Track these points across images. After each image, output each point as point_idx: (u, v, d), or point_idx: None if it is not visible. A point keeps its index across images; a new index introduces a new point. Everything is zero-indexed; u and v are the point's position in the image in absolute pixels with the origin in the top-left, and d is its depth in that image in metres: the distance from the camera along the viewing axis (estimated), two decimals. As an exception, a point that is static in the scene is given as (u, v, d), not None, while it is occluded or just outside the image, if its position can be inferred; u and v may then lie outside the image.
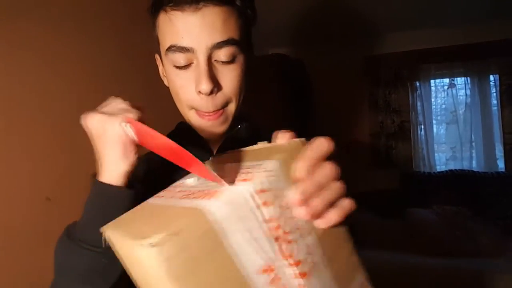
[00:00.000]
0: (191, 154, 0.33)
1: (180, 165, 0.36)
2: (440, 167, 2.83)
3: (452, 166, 2.73)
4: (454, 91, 2.82)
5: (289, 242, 0.29)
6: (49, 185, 1.08)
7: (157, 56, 0.60)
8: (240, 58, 0.53)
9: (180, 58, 0.51)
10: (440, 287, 1.67)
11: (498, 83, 2.66)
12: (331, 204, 0.32)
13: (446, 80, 2.85)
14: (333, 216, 0.32)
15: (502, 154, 2.64)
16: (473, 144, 2.75)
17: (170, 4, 0.50)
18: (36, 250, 1.02)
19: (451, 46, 2.67)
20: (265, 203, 0.28)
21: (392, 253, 1.93)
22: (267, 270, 0.28)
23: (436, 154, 2.86)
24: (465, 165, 2.73)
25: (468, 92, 2.77)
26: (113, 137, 0.44)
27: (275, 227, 0.29)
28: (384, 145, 2.90)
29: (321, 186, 0.31)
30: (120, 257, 0.31)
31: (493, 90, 2.71)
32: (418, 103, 2.86)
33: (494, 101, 2.70)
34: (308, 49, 2.96)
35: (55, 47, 1.13)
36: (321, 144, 0.33)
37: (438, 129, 2.91)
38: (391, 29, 2.75)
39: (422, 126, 2.84)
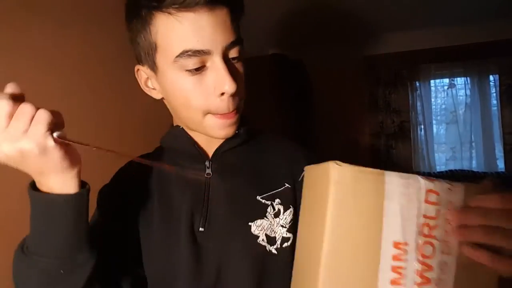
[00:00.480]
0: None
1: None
2: (440, 167, 2.83)
3: (452, 166, 2.73)
4: (454, 91, 2.82)
5: (431, 244, 0.33)
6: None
7: (138, 68, 0.56)
8: (242, 57, 0.52)
9: (194, 62, 0.48)
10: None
11: (498, 83, 2.66)
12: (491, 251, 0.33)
13: (446, 80, 2.86)
14: (480, 254, 0.33)
15: (502, 154, 2.64)
16: (473, 144, 2.75)
17: (175, 6, 0.46)
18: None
19: (451, 46, 2.67)
20: (431, 202, 0.33)
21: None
22: (399, 246, 0.32)
23: (436, 154, 2.86)
24: (465, 165, 2.73)
25: (468, 92, 2.77)
26: (40, 156, 0.41)
27: (427, 224, 0.33)
28: (384, 145, 2.89)
29: (489, 225, 0.33)
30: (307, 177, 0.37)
31: (493, 90, 2.71)
32: (418, 103, 2.86)
33: (494, 101, 2.71)
34: (308, 49, 2.96)
35: (55, 47, 1.13)
36: None
37: (438, 129, 2.91)
38: (391, 29, 2.75)
39: (422, 126, 2.84)
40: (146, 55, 0.52)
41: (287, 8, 2.31)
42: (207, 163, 0.59)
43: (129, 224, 0.58)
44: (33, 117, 0.40)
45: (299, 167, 0.61)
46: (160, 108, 0.58)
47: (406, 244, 0.32)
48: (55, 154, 0.42)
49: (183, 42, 0.47)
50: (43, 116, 0.40)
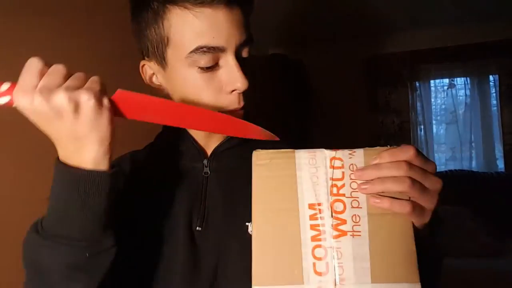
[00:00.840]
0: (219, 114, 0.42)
1: (201, 129, 0.43)
2: (440, 167, 2.83)
3: (452, 166, 2.74)
4: (453, 91, 2.83)
5: (341, 201, 0.38)
6: (49, 185, 1.08)
7: (144, 63, 0.55)
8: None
9: (208, 60, 0.47)
10: (440, 287, 1.67)
11: (497, 83, 2.66)
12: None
13: (446, 81, 2.86)
14: (381, 201, 0.38)
15: (502, 154, 2.64)
16: (473, 144, 2.75)
17: (192, 0, 0.45)
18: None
19: (451, 46, 2.67)
20: (336, 167, 0.39)
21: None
22: (314, 207, 0.38)
23: (435, 155, 2.86)
24: (465, 165, 2.73)
25: (468, 92, 2.78)
26: (93, 114, 0.38)
27: (335, 185, 0.39)
28: (384, 145, 2.89)
29: (390, 175, 0.38)
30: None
31: (493, 91, 2.71)
32: (418, 103, 2.86)
33: (494, 102, 2.71)
34: (308, 49, 2.96)
35: (56, 47, 1.13)
36: (407, 148, 0.40)
37: (438, 130, 2.91)
38: (391, 29, 2.75)
39: (422, 127, 2.84)
40: (155, 49, 0.51)
41: (287, 8, 2.32)
42: (205, 161, 0.58)
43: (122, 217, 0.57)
44: (65, 75, 0.40)
45: None
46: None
47: (319, 204, 0.38)
48: (105, 116, 0.40)
49: (198, 38, 0.46)
50: (96, 77, 0.41)
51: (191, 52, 0.47)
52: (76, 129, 0.39)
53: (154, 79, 0.56)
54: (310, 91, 2.85)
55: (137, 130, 1.43)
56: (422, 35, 2.74)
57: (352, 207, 0.38)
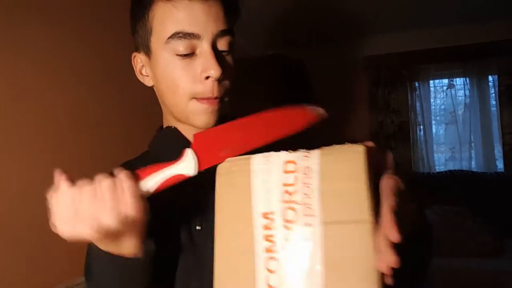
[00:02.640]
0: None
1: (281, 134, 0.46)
2: (439, 167, 2.83)
3: (451, 166, 2.74)
4: (453, 91, 2.83)
5: (292, 209, 0.35)
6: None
7: (135, 54, 0.59)
8: (233, 51, 0.55)
9: (184, 46, 0.51)
10: (440, 286, 1.67)
11: (497, 83, 2.66)
12: None
13: (445, 81, 2.86)
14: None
15: (501, 154, 2.65)
16: (472, 144, 2.75)
17: None
18: (36, 250, 1.02)
19: (450, 47, 2.67)
20: (289, 171, 0.36)
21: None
22: (267, 216, 0.36)
23: (435, 155, 2.86)
24: (464, 166, 2.73)
25: (467, 92, 2.78)
26: (124, 227, 0.41)
27: (286, 191, 0.36)
28: (383, 145, 2.90)
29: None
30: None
31: (492, 91, 2.72)
32: (417, 104, 2.86)
33: (493, 102, 2.71)
34: (308, 49, 2.96)
35: (56, 48, 1.13)
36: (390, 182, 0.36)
37: (437, 130, 2.92)
38: (390, 29, 2.76)
39: (421, 127, 2.84)
40: (143, 40, 0.55)
41: (287, 8, 2.32)
42: None
43: None
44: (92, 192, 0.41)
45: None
46: (158, 107, 0.58)
47: (272, 213, 0.35)
48: (145, 214, 0.43)
49: (176, 24, 0.51)
50: (127, 183, 0.42)
51: (169, 38, 0.51)
52: (112, 240, 0.43)
53: (143, 71, 0.59)
54: (310, 91, 2.85)
55: (135, 135, 1.42)
56: (422, 35, 2.75)
57: (305, 215, 0.34)
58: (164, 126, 0.63)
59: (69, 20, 1.18)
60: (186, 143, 0.58)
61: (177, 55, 0.51)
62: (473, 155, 2.75)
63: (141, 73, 0.60)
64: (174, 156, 0.59)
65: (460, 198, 2.32)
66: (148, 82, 0.59)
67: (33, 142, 1.05)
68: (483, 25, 2.59)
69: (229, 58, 0.55)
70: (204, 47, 0.51)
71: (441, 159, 2.88)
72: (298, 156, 0.37)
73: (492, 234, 1.93)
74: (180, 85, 0.53)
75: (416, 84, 2.87)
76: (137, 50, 0.58)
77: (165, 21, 0.51)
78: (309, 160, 0.36)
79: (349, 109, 3.02)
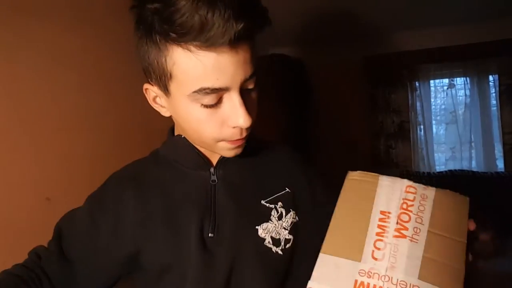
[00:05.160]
0: None
1: None
2: (440, 167, 2.83)
3: (451, 166, 2.73)
4: (453, 91, 2.82)
5: (407, 214, 0.46)
6: (49, 185, 1.08)
7: (147, 87, 0.54)
8: (257, 80, 0.52)
9: (211, 99, 0.47)
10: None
11: (497, 83, 2.66)
12: None
13: (446, 80, 2.85)
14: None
15: (502, 154, 2.64)
16: (473, 144, 2.75)
17: (196, 43, 0.43)
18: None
19: (451, 46, 2.67)
20: (409, 192, 0.48)
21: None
22: (384, 213, 0.47)
23: (435, 154, 2.86)
24: (465, 165, 2.73)
25: (468, 92, 2.77)
26: None
27: (405, 202, 0.47)
28: (383, 145, 2.89)
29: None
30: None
31: (493, 90, 2.71)
32: (418, 103, 2.86)
33: (494, 101, 2.70)
34: (308, 49, 2.96)
35: (58, 48, 1.13)
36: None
37: (438, 129, 2.91)
38: (391, 29, 2.75)
39: (422, 126, 2.84)
40: (158, 78, 0.50)
41: (287, 8, 2.31)
42: (212, 170, 0.60)
43: (120, 232, 0.58)
44: None
45: (297, 171, 0.66)
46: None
47: (389, 212, 0.46)
48: None
49: (202, 79, 0.46)
50: None
51: (194, 91, 0.46)
52: None
53: (157, 100, 0.55)
54: (310, 91, 2.85)
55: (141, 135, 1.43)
56: (422, 35, 2.74)
57: (416, 222, 0.46)
58: (176, 133, 0.62)
59: (71, 23, 1.18)
60: (195, 150, 0.59)
61: (202, 104, 0.48)
62: (473, 154, 2.75)
63: (155, 103, 0.56)
64: (185, 161, 0.60)
65: (460, 198, 2.32)
66: (165, 113, 0.56)
67: (34, 142, 1.05)
68: (483, 24, 2.58)
69: (253, 94, 0.52)
70: (232, 98, 0.48)
71: (442, 158, 2.88)
72: (419, 185, 0.48)
73: (492, 235, 1.92)
74: (206, 130, 0.50)
75: (416, 84, 2.86)
76: (149, 81, 0.53)
77: (189, 74, 0.46)
78: (427, 190, 0.48)
79: (349, 109, 3.02)
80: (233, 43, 0.44)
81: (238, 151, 0.55)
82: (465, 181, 2.46)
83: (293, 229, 0.59)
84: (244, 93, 0.49)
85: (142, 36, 0.48)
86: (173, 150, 0.62)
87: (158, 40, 0.46)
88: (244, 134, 0.52)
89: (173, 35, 0.44)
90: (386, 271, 0.42)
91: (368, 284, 0.41)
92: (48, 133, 1.09)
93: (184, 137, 0.59)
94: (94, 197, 0.61)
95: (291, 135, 2.35)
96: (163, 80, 0.49)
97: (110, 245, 0.57)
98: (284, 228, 0.58)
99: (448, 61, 2.73)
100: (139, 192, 0.59)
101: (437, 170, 2.74)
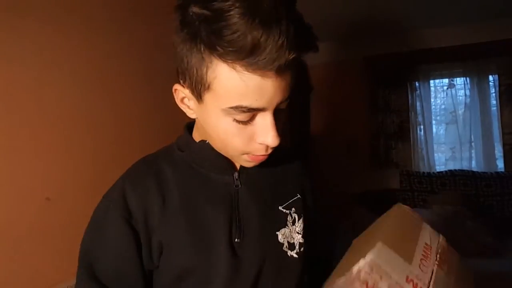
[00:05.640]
0: None
1: None
2: (440, 167, 2.83)
3: (451, 166, 2.73)
4: (453, 91, 2.82)
5: (442, 255, 0.51)
6: (49, 185, 1.07)
7: (177, 88, 0.53)
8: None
9: (246, 116, 0.47)
10: (440, 287, 1.67)
11: (497, 83, 2.66)
12: None
13: (446, 80, 2.86)
14: None
15: (502, 154, 2.64)
16: (473, 144, 2.75)
17: (244, 63, 0.42)
18: (36, 250, 1.02)
19: (451, 46, 2.67)
20: (442, 253, 0.53)
21: (392, 253, 1.92)
22: (426, 246, 0.51)
23: (435, 154, 2.86)
24: (465, 165, 2.73)
25: (468, 92, 2.78)
26: None
27: (440, 258, 0.51)
28: (383, 145, 2.89)
29: None
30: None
31: (492, 90, 2.71)
32: (418, 103, 2.86)
33: (494, 101, 2.70)
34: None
35: (57, 48, 1.13)
36: None
37: (438, 129, 2.91)
38: (391, 29, 2.75)
39: (422, 126, 2.84)
40: (194, 84, 0.48)
41: (287, 8, 2.31)
42: (235, 174, 0.60)
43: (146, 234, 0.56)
44: None
45: (303, 179, 0.69)
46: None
47: (430, 247, 0.51)
48: None
49: (241, 98, 0.45)
50: None
51: (230, 107, 0.46)
52: None
53: (185, 101, 0.54)
54: (310, 90, 2.85)
55: (151, 131, 1.42)
56: (422, 35, 2.75)
57: (444, 263, 0.51)
58: (195, 133, 0.61)
59: (74, 20, 1.18)
60: (219, 155, 0.58)
61: (235, 119, 0.48)
62: (473, 154, 2.75)
63: (183, 103, 0.54)
64: (211, 166, 0.59)
65: (460, 198, 2.32)
66: (191, 115, 0.55)
67: (33, 142, 1.05)
68: (483, 24, 2.59)
69: (283, 113, 0.52)
70: (265, 117, 0.48)
71: (442, 159, 2.88)
72: (445, 241, 0.55)
73: (492, 234, 1.93)
74: (233, 142, 0.51)
75: (416, 84, 2.86)
76: (181, 80, 0.51)
77: (229, 91, 0.45)
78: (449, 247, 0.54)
79: (349, 109, 3.02)
80: (281, 71, 0.44)
81: (258, 163, 0.56)
82: (465, 181, 2.46)
83: (305, 233, 0.62)
84: (276, 112, 0.49)
85: (185, 40, 0.46)
86: (197, 154, 0.60)
87: (202, 49, 0.44)
88: (269, 151, 0.53)
89: (220, 50, 0.42)
90: (429, 285, 0.46)
91: (416, 284, 0.45)
92: (48, 133, 1.09)
93: (208, 142, 0.58)
94: (115, 209, 0.56)
95: (291, 135, 2.35)
96: (199, 88, 0.48)
97: (144, 240, 0.55)
98: (298, 233, 0.61)
99: (448, 61, 2.73)
100: (161, 190, 0.57)
101: (437, 170, 2.74)
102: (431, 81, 2.87)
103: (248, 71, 0.43)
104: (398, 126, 2.86)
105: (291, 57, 0.42)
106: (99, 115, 1.28)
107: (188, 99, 0.53)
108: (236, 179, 0.59)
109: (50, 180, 1.08)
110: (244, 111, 0.46)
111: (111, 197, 0.57)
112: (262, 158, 0.54)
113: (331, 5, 2.30)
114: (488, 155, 2.69)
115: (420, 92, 2.86)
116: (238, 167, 0.61)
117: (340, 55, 2.97)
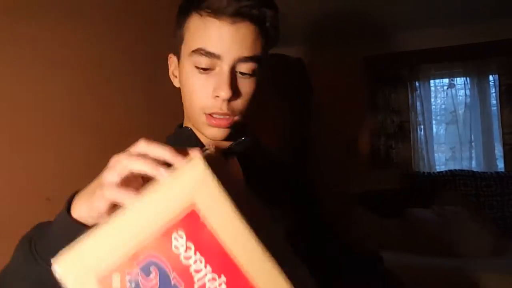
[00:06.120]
0: None
1: None
2: (440, 167, 2.83)
3: (451, 166, 2.73)
4: (453, 91, 2.82)
5: None
6: (49, 185, 1.07)
7: (171, 55, 0.62)
8: (258, 74, 0.56)
9: (205, 62, 0.53)
10: (440, 287, 1.67)
11: (497, 83, 2.66)
12: None
13: (446, 80, 2.86)
14: None
15: (502, 154, 2.64)
16: (473, 144, 2.75)
17: (208, 10, 0.51)
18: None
19: (451, 46, 2.67)
20: None
21: (392, 253, 1.92)
22: None
23: (435, 154, 2.86)
24: (465, 165, 2.72)
25: (468, 92, 2.78)
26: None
27: None
28: (384, 145, 2.89)
29: None
30: None
31: (493, 90, 2.71)
32: (418, 103, 2.86)
33: (494, 101, 2.70)
34: (308, 49, 2.96)
35: (56, 48, 1.13)
36: None
37: (438, 129, 2.91)
38: (391, 29, 2.76)
39: (422, 126, 2.84)
40: (176, 45, 0.59)
41: (287, 8, 2.31)
42: None
43: None
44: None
45: (298, 183, 0.67)
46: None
47: None
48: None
49: (202, 41, 0.53)
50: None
51: (193, 50, 0.53)
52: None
53: (175, 71, 0.62)
54: (310, 90, 2.85)
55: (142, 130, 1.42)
56: (422, 35, 2.74)
57: None
58: (184, 125, 0.65)
59: (72, 21, 1.18)
60: (200, 144, 0.60)
61: (196, 67, 0.54)
62: (473, 154, 2.75)
63: (173, 74, 0.63)
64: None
65: (460, 198, 2.32)
66: (176, 83, 0.62)
67: (36, 140, 1.05)
68: (483, 24, 2.59)
69: (248, 81, 0.55)
70: (222, 68, 0.53)
71: (442, 158, 2.88)
72: None
73: (492, 235, 1.93)
74: (195, 96, 0.55)
75: (417, 84, 2.86)
76: (173, 52, 0.61)
77: (194, 35, 0.54)
78: None
79: (349, 109, 3.02)
80: (235, 18, 0.51)
81: (217, 134, 0.57)
82: (465, 181, 2.46)
83: (292, 238, 0.60)
84: (238, 75, 0.54)
85: (178, 14, 0.58)
86: (178, 141, 0.63)
87: (184, 11, 0.56)
88: (224, 110, 0.54)
89: (195, 4, 0.53)
90: None
91: None
92: (48, 133, 1.09)
93: (190, 128, 0.62)
94: None
95: (291, 135, 2.35)
96: (178, 46, 0.58)
97: None
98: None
99: (448, 61, 2.73)
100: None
101: (437, 170, 2.74)
102: (431, 81, 2.87)
103: (210, 16, 0.52)
104: (398, 126, 2.85)
105: (242, 5, 0.50)
106: (99, 115, 1.28)
107: (175, 67, 0.61)
108: None
109: (50, 180, 1.08)
110: (202, 54, 0.52)
111: None
112: (222, 123, 0.55)
113: (331, 5, 2.30)
114: (488, 155, 2.69)
115: (420, 92, 2.86)
116: None
117: (340, 55, 2.97)
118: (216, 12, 0.51)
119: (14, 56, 1.01)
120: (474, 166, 2.73)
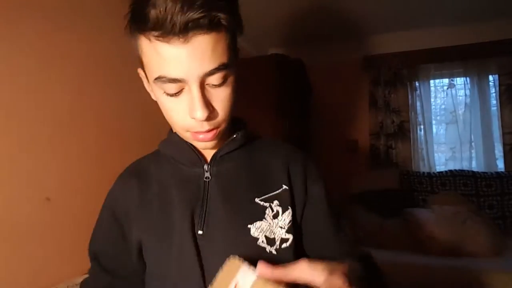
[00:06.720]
0: None
1: None
2: (440, 167, 2.83)
3: (451, 166, 2.73)
4: (453, 91, 2.82)
5: None
6: (49, 185, 1.08)
7: (140, 70, 0.57)
8: (230, 77, 0.51)
9: (171, 88, 0.49)
10: (440, 286, 1.67)
11: (497, 83, 2.66)
12: None
13: (446, 80, 2.86)
14: None
15: (502, 154, 2.64)
16: (473, 144, 2.75)
17: (155, 34, 0.45)
18: (35, 250, 1.02)
19: (451, 46, 2.67)
20: None
21: (391, 253, 1.92)
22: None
23: (435, 154, 2.86)
24: (465, 165, 2.73)
25: (468, 92, 2.78)
26: None
27: None
28: (383, 145, 2.89)
29: None
30: None
31: (493, 90, 2.71)
32: (418, 103, 2.86)
33: (494, 101, 2.71)
34: (308, 49, 2.96)
35: (56, 48, 1.13)
36: None
37: (438, 129, 2.91)
38: (391, 29, 2.76)
39: (422, 126, 2.84)
40: (141, 65, 0.54)
41: (287, 8, 2.32)
42: (205, 166, 0.60)
43: (135, 230, 0.61)
44: None
45: (296, 169, 0.63)
46: (160, 112, 0.58)
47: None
48: None
49: (159, 68, 0.48)
50: None
51: (155, 79, 0.49)
52: None
53: (148, 87, 0.58)
54: (310, 90, 2.85)
55: (141, 136, 1.42)
56: (422, 35, 2.75)
57: None
58: (173, 130, 0.64)
59: (71, 21, 1.18)
60: (190, 146, 0.60)
61: (165, 93, 0.50)
62: (473, 154, 2.75)
63: (148, 88, 0.58)
64: (181, 158, 0.61)
65: (460, 198, 2.32)
66: (153, 97, 0.58)
67: (36, 141, 1.05)
68: (483, 24, 2.59)
69: (222, 90, 0.51)
70: (190, 89, 0.49)
71: (442, 158, 2.88)
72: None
73: (492, 235, 1.93)
74: (173, 117, 0.53)
75: (417, 84, 2.87)
76: (142, 67, 0.56)
77: (151, 62, 0.49)
78: None
79: (349, 109, 3.02)
80: (185, 35, 0.45)
81: (208, 144, 0.56)
82: (465, 181, 2.46)
83: (292, 227, 0.58)
84: (209, 88, 0.50)
85: (127, 28, 0.51)
86: (169, 146, 0.63)
87: (132, 30, 0.50)
88: (206, 128, 0.52)
89: (139, 24, 0.47)
90: None
91: None
92: (48, 133, 1.09)
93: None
94: (106, 206, 0.65)
95: (290, 135, 2.35)
96: (142, 67, 0.54)
97: (126, 236, 0.62)
98: (281, 227, 0.57)
99: (448, 61, 2.73)
100: (141, 187, 0.62)
101: (437, 170, 2.74)
102: (431, 81, 2.87)
103: (158, 40, 0.46)
104: (398, 126, 2.86)
105: (187, 19, 0.44)
106: (100, 115, 1.28)
107: (147, 83, 0.56)
108: (206, 171, 0.60)
109: (50, 180, 1.08)
110: (165, 82, 0.48)
111: (108, 194, 0.65)
112: (207, 137, 0.53)
113: (331, 5, 2.30)
114: (488, 155, 2.69)
115: (420, 92, 2.86)
116: (208, 160, 0.61)
117: (340, 55, 2.98)
118: (164, 35, 0.45)
119: (15, 57, 1.01)
120: (474, 166, 2.73)
